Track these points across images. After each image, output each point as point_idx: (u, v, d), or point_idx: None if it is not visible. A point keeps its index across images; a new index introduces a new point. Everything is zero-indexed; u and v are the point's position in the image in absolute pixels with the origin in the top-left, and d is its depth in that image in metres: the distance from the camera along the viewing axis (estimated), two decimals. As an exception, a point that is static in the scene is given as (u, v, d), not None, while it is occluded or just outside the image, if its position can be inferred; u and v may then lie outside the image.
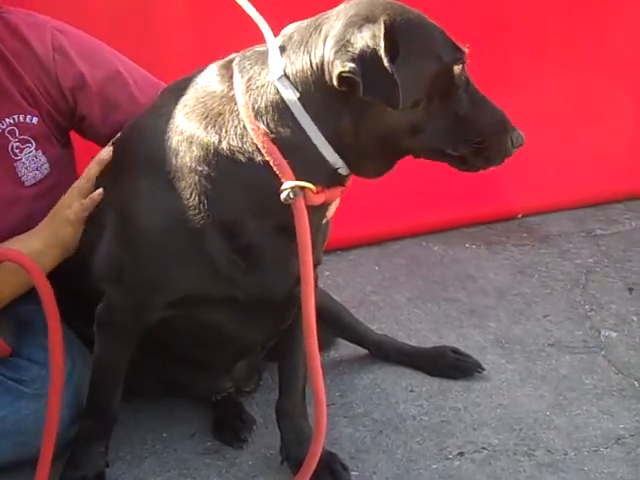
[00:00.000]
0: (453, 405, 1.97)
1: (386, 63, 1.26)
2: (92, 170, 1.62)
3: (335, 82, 1.29)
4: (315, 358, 1.44)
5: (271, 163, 1.36)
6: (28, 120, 1.68)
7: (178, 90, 1.48)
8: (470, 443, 1.84)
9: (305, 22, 1.41)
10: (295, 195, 1.35)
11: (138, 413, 1.89)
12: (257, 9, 1.45)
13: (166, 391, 1.90)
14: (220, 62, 1.47)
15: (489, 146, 1.44)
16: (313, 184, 1.37)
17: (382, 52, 1.26)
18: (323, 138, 1.36)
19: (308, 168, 1.37)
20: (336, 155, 1.38)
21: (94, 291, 1.59)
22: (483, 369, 2.09)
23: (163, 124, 1.45)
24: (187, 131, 1.41)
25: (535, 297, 2.47)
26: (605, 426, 1.89)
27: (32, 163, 1.70)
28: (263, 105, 1.36)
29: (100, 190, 1.59)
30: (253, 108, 1.36)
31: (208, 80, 1.45)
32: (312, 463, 1.48)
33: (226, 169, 1.39)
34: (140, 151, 1.50)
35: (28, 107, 1.68)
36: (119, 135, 1.63)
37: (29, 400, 1.66)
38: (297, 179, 1.35)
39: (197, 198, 1.40)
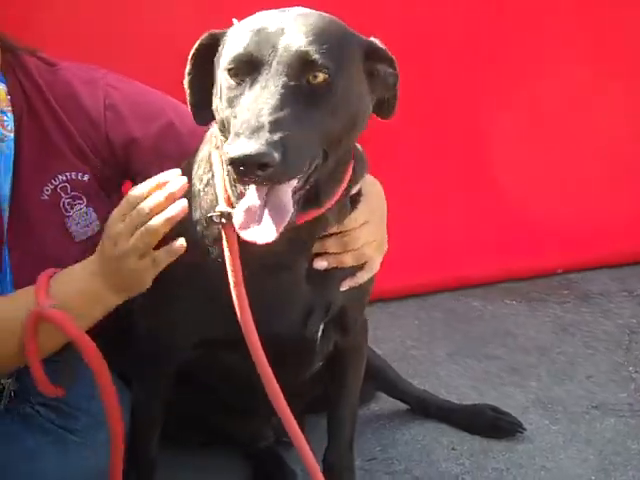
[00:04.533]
0: (495, 466, 1.94)
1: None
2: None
3: None
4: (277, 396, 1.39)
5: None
6: (80, 177, 1.68)
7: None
8: (513, 506, 1.81)
9: None
10: (224, 219, 1.30)
11: (176, 464, 1.86)
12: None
13: (206, 440, 1.90)
14: None
15: None
16: None
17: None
18: None
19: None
20: None
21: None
22: (524, 429, 2.06)
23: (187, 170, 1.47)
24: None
25: (577, 357, 2.44)
26: (651, 493, 1.85)
27: (82, 220, 1.69)
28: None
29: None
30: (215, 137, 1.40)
31: None
32: None
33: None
34: None
35: (80, 164, 1.68)
36: None
37: (76, 449, 1.66)
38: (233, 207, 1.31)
39: (202, 238, 1.39)
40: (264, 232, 1.18)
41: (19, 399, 1.71)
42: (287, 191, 1.20)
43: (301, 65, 1.18)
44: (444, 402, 2.16)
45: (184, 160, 1.65)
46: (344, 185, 1.38)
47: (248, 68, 1.21)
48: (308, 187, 1.24)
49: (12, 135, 1.63)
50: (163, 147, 1.71)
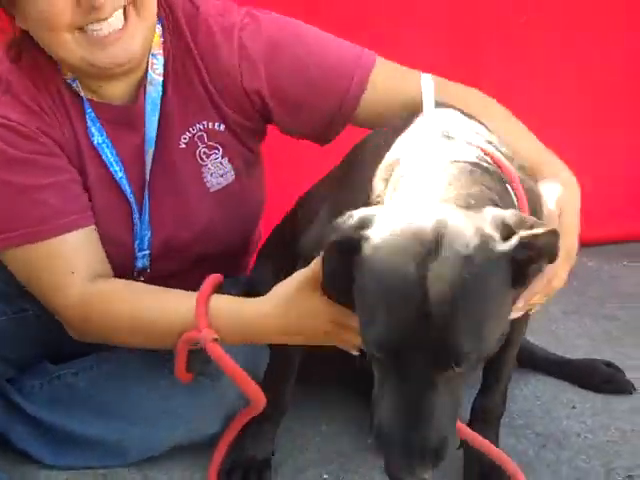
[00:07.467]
0: (619, 426, 1.89)
1: None
2: None
3: None
4: None
5: None
6: (216, 127, 1.69)
7: None
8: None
9: None
10: None
11: (298, 404, 1.90)
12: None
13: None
14: None
15: None
16: None
17: None
18: None
19: None
20: None
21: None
22: (635, 389, 2.00)
23: None
24: None
25: (700, 322, 2.35)
26: None
27: (217, 170, 1.70)
28: None
29: None
30: None
31: None
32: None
33: None
34: None
35: (216, 115, 1.68)
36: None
37: (205, 390, 1.71)
38: None
39: None
40: None
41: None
42: None
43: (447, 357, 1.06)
44: (553, 355, 2.12)
45: (316, 103, 1.68)
46: None
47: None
48: None
49: (161, 79, 1.65)
50: (291, 94, 1.68)
